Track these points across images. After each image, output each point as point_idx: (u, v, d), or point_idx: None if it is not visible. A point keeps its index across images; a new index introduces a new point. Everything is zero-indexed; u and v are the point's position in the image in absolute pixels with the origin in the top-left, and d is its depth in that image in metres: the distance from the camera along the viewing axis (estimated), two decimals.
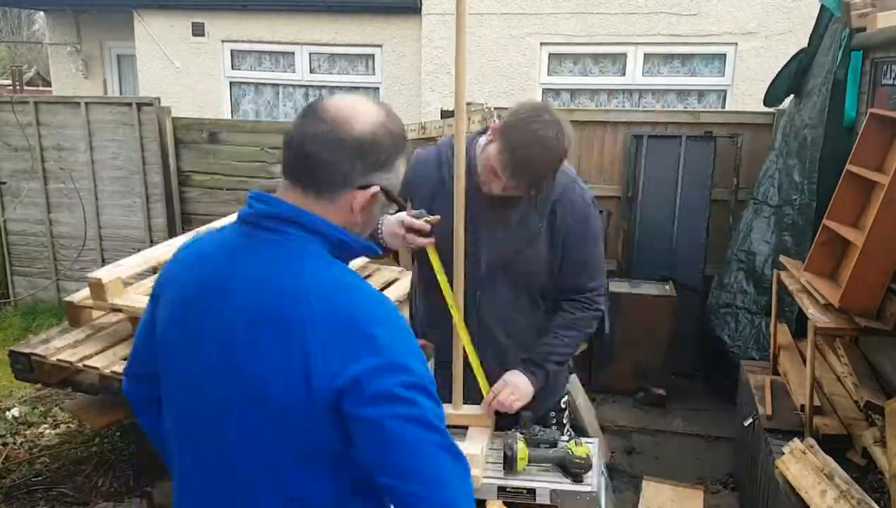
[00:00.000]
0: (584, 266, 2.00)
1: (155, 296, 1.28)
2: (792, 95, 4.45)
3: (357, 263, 3.72)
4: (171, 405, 1.23)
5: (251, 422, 1.10)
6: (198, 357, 1.15)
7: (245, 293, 1.11)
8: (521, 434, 1.79)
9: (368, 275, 3.91)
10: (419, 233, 1.81)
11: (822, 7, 3.97)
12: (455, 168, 1.81)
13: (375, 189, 1.16)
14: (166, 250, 3.65)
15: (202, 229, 3.87)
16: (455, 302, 1.87)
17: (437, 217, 1.82)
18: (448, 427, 1.76)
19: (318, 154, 1.11)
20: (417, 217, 1.81)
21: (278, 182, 1.19)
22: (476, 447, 1.74)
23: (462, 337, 1.89)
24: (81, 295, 3.36)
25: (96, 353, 3.13)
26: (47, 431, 4.06)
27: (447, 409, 1.93)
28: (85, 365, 3.06)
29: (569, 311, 2.02)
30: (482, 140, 1.94)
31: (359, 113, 1.13)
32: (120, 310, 3.26)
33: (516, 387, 1.92)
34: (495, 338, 2.01)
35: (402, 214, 1.81)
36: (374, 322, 1.09)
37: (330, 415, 1.07)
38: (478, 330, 1.97)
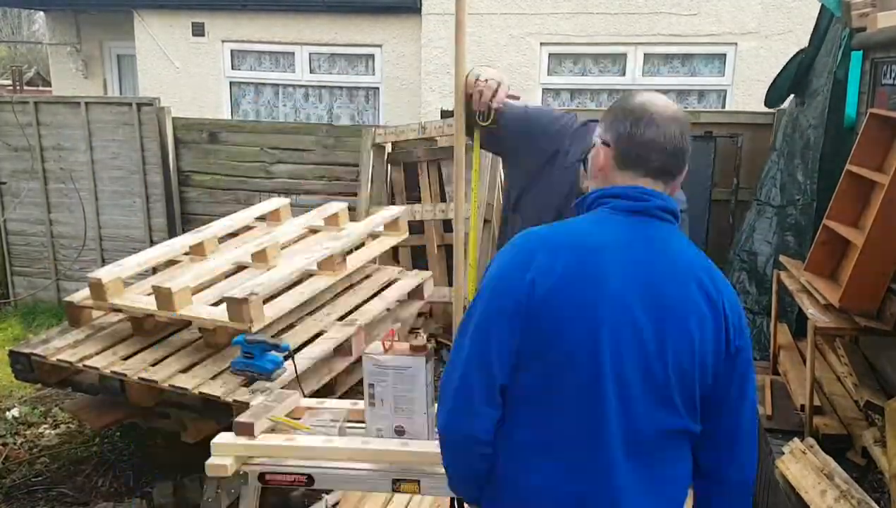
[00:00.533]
0: None
1: (528, 299, 1.29)
2: (792, 95, 4.45)
3: (357, 261, 3.72)
4: (569, 386, 1.29)
5: (682, 381, 1.30)
6: (630, 325, 1.28)
7: (682, 275, 1.32)
8: None
9: (368, 275, 3.92)
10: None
11: (823, 7, 3.97)
12: (454, 170, 1.83)
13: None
14: (166, 250, 3.65)
15: (204, 227, 3.87)
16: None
17: None
18: None
19: (685, 146, 1.40)
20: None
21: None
22: None
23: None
24: (81, 295, 3.36)
25: (96, 353, 3.13)
26: (47, 431, 4.06)
27: None
28: (85, 365, 3.06)
29: None
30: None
31: (671, 104, 1.42)
32: (120, 310, 3.26)
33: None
34: None
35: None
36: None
37: (728, 375, 1.35)
38: None
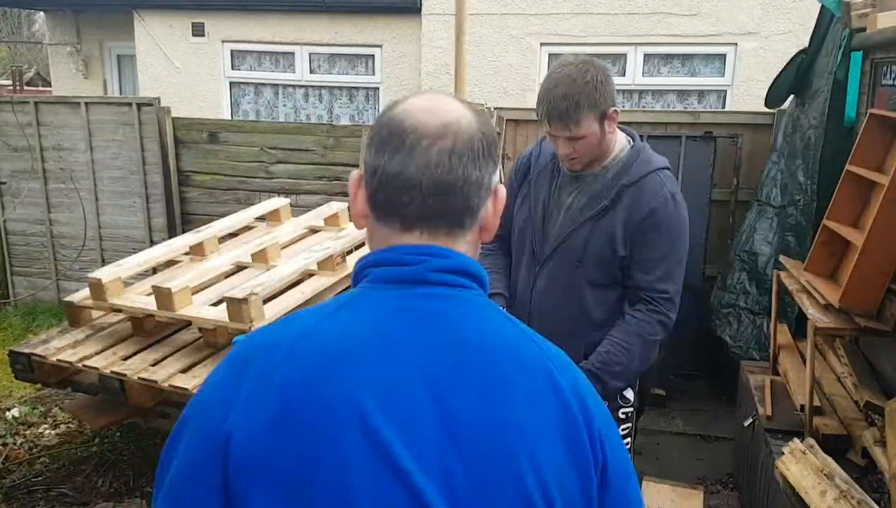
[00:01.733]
0: (650, 263, 1.88)
1: (223, 465, 0.76)
2: (793, 96, 4.45)
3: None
4: None
5: None
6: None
7: (490, 374, 0.82)
8: None
9: None
10: None
11: (823, 7, 3.97)
12: None
13: (501, 187, 0.96)
14: (166, 250, 3.65)
15: (204, 227, 3.87)
16: None
17: None
18: None
19: (461, 177, 0.87)
20: None
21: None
22: None
23: None
24: (81, 295, 3.36)
25: (96, 353, 3.13)
26: (47, 431, 4.06)
27: None
28: (85, 365, 3.06)
29: (629, 314, 1.91)
30: None
31: (454, 108, 0.90)
32: (120, 310, 3.26)
33: None
34: (545, 317, 1.99)
35: None
36: None
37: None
38: (532, 309, 2.03)
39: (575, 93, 1.78)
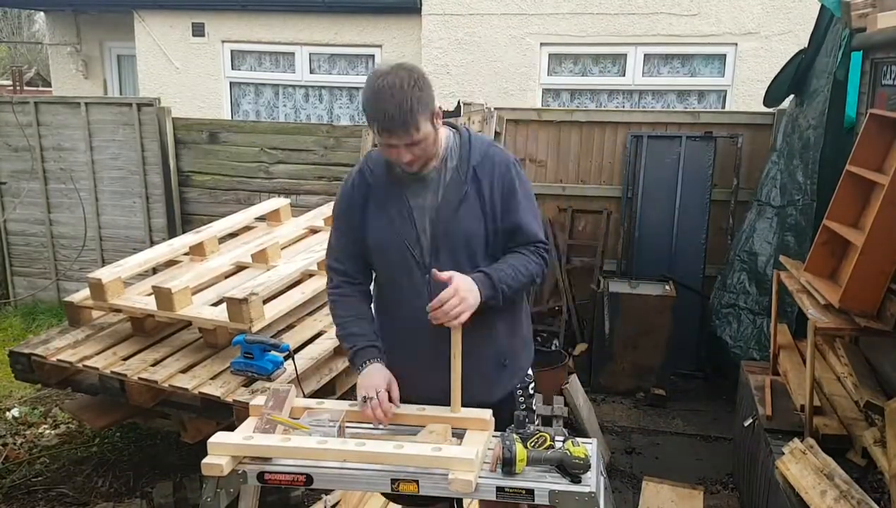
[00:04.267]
0: (525, 218, 2.03)
1: None
2: (792, 96, 4.45)
3: None
4: None
5: None
6: None
7: None
8: (518, 434, 1.79)
9: None
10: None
11: (823, 7, 3.97)
12: None
13: None
14: (166, 250, 3.65)
15: (204, 227, 3.87)
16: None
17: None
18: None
19: None
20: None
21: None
22: (472, 450, 1.73)
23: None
24: (81, 295, 3.37)
25: (96, 353, 3.13)
26: (47, 431, 4.06)
27: (444, 411, 1.93)
28: (85, 366, 3.06)
29: (517, 251, 2.04)
30: None
31: None
32: (120, 310, 3.26)
33: (461, 293, 1.86)
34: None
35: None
36: None
37: None
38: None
39: (406, 99, 1.80)
